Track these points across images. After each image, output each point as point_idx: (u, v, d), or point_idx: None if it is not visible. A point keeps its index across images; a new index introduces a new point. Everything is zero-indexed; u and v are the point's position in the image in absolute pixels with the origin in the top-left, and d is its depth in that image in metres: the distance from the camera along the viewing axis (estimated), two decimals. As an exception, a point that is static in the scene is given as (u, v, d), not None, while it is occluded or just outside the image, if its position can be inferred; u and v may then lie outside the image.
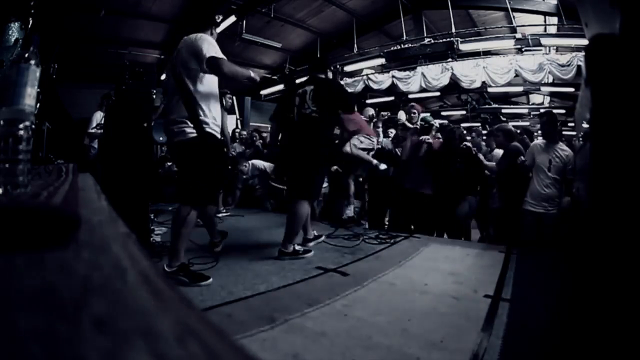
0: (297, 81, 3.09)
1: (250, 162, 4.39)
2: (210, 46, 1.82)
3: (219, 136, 1.93)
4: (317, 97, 2.34)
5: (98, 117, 3.91)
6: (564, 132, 4.41)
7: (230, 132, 4.71)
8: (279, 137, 2.66)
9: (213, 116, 1.87)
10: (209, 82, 1.87)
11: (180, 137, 1.82)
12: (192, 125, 1.81)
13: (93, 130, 3.80)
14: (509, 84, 6.05)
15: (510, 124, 4.06)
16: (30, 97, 0.56)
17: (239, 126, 7.26)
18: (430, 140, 3.35)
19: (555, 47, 5.48)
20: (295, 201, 2.34)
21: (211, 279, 1.83)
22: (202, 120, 1.82)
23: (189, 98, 1.81)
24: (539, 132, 3.50)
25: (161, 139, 4.31)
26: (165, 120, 1.94)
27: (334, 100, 2.41)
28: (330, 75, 2.63)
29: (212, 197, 2.17)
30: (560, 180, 2.80)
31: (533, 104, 9.77)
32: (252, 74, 1.85)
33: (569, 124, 7.87)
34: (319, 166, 2.45)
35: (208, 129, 1.84)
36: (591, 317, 0.80)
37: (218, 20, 5.47)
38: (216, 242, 2.41)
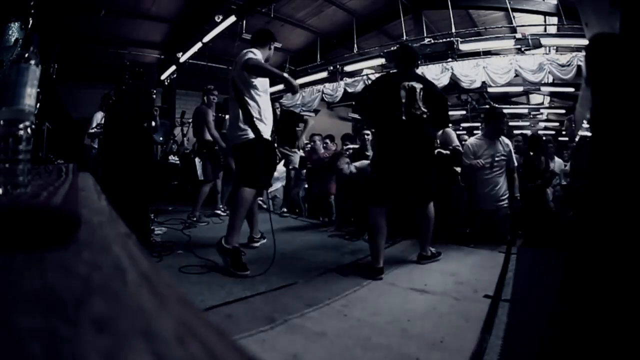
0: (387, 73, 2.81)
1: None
2: (250, 55, 2.13)
3: (268, 137, 2.22)
4: (427, 98, 2.17)
5: (98, 117, 3.91)
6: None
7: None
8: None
9: (264, 118, 2.19)
10: (261, 89, 2.19)
11: (238, 140, 2.17)
12: (247, 129, 2.13)
13: (93, 131, 3.80)
14: (509, 84, 6.05)
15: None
16: (30, 97, 0.56)
17: None
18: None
19: (555, 47, 5.48)
20: (423, 208, 2.28)
21: (249, 272, 1.95)
22: (255, 123, 2.14)
23: (243, 104, 2.15)
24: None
25: (161, 139, 4.30)
26: (230, 125, 2.30)
27: (441, 110, 2.26)
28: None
29: (262, 183, 2.29)
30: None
31: (533, 104, 9.77)
32: (282, 74, 2.18)
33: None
34: (434, 170, 2.33)
35: (260, 131, 2.14)
36: (591, 317, 0.80)
37: (218, 20, 5.42)
38: (256, 238, 2.64)
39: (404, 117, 2.11)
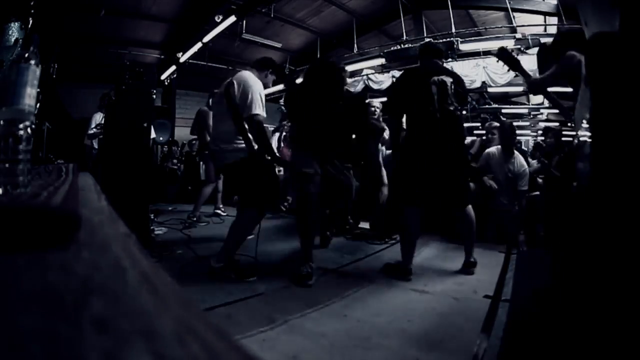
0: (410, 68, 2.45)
1: None
2: (257, 99, 2.01)
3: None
4: (458, 92, 2.05)
5: (97, 117, 3.91)
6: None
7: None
8: (405, 135, 2.21)
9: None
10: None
11: (231, 158, 2.03)
12: (243, 147, 2.00)
13: (93, 131, 3.80)
14: (509, 84, 6.05)
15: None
16: (30, 97, 0.56)
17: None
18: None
19: (555, 47, 5.47)
20: (462, 210, 2.13)
21: (256, 277, 1.91)
22: (252, 144, 2.03)
23: (241, 125, 2.01)
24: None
25: (161, 139, 4.29)
26: (217, 140, 2.10)
27: (466, 100, 2.14)
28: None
29: (269, 204, 2.17)
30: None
31: (533, 104, 9.77)
32: (274, 150, 2.19)
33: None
34: (468, 169, 2.27)
35: (257, 150, 2.03)
36: (591, 317, 0.80)
37: (218, 20, 5.42)
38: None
39: (438, 115, 1.98)
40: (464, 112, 2.12)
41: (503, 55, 2.00)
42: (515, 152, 3.08)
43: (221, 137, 2.06)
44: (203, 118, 3.57)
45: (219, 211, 3.86)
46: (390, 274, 2.01)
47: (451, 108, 2.01)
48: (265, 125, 2.11)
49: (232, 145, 2.01)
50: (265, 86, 2.16)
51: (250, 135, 2.02)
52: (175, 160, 5.68)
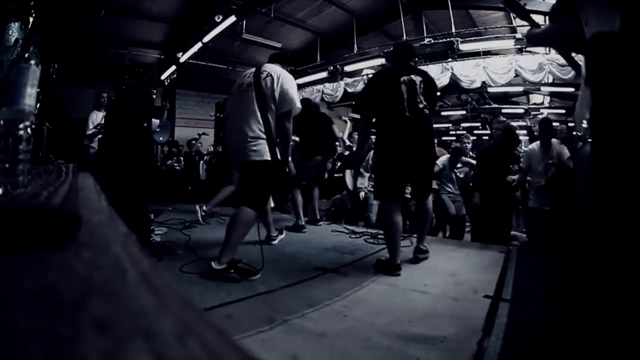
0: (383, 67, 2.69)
1: None
2: (295, 94, 2.00)
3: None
4: (427, 91, 2.15)
5: (94, 117, 3.89)
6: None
7: None
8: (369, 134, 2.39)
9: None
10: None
11: (254, 156, 1.95)
12: (265, 147, 1.94)
13: (92, 132, 3.79)
14: (509, 84, 6.05)
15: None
16: (30, 97, 0.56)
17: None
18: None
19: (555, 47, 5.48)
20: (422, 201, 2.31)
21: (259, 274, 1.91)
22: (273, 145, 1.96)
23: (267, 122, 1.95)
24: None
25: (161, 139, 4.28)
26: (241, 136, 2.00)
27: (433, 103, 2.26)
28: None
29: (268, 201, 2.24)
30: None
31: (533, 104, 9.77)
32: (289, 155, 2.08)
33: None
34: (434, 163, 2.49)
35: (277, 153, 1.98)
36: (591, 318, 0.80)
37: (218, 20, 5.40)
38: (273, 236, 2.66)
39: (407, 114, 2.07)
40: (432, 110, 2.22)
41: (510, 2, 2.14)
42: (553, 142, 3.04)
43: (242, 132, 1.96)
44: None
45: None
46: (381, 270, 2.08)
47: (420, 106, 2.10)
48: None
49: (254, 142, 1.94)
50: None
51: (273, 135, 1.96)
52: (174, 159, 5.68)
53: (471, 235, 3.73)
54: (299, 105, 2.01)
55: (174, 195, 5.18)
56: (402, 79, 2.11)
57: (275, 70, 2.03)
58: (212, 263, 1.88)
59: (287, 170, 2.09)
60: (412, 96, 2.09)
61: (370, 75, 6.93)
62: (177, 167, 5.63)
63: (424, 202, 2.31)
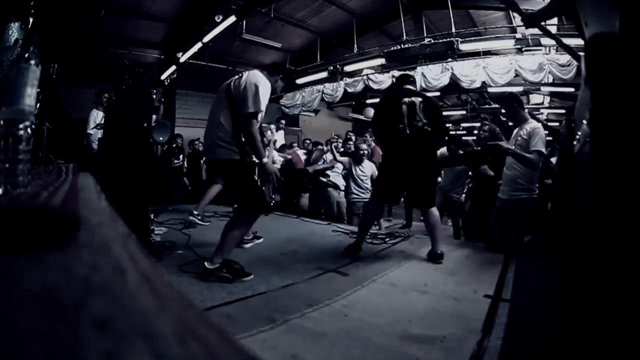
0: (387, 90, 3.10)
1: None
2: (257, 98, 1.97)
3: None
4: (427, 111, 2.42)
5: (95, 115, 3.89)
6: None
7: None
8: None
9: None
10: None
11: (222, 155, 1.99)
12: (232, 147, 1.98)
13: (92, 131, 3.79)
14: (509, 84, 6.04)
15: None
16: (30, 97, 0.56)
17: None
18: None
19: (555, 47, 5.48)
20: (427, 210, 2.45)
21: (252, 275, 1.90)
22: (243, 145, 1.99)
23: (235, 124, 1.99)
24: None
25: (161, 139, 4.29)
26: (213, 135, 2.04)
27: (438, 122, 2.49)
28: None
29: (265, 207, 2.24)
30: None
31: (533, 104, 9.77)
32: (264, 155, 2.03)
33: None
34: (434, 176, 2.77)
35: (247, 154, 2.00)
36: (591, 318, 0.80)
37: (218, 20, 5.39)
38: (246, 239, 2.65)
39: (408, 131, 2.37)
40: (435, 127, 2.50)
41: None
42: (528, 123, 2.56)
43: (213, 132, 2.02)
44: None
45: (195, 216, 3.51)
46: (348, 253, 2.42)
47: (419, 124, 2.39)
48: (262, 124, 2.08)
49: (222, 142, 1.98)
50: (274, 91, 2.15)
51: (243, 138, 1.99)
52: (176, 151, 5.65)
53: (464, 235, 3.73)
54: (253, 110, 1.95)
55: (180, 196, 5.18)
56: (403, 100, 2.42)
57: (250, 73, 2.06)
58: (205, 263, 1.91)
59: (265, 170, 2.06)
60: (412, 115, 2.39)
61: (372, 78, 6.97)
62: (178, 163, 5.61)
63: (427, 211, 2.44)
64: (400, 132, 2.38)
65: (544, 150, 2.43)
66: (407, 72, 4.74)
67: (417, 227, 3.89)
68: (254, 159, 2.06)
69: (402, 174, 2.40)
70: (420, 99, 2.44)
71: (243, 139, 1.99)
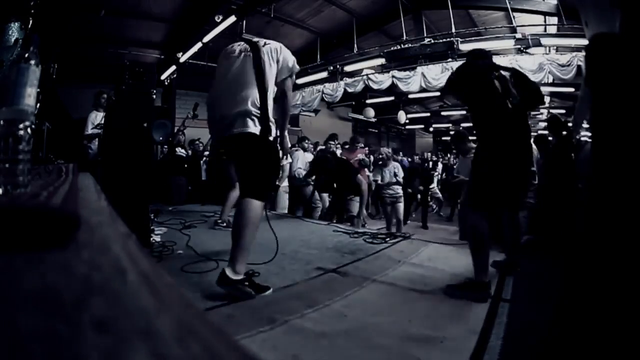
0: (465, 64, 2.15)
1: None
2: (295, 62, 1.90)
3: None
4: (518, 87, 1.94)
5: (93, 117, 3.88)
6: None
7: None
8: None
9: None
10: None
11: (242, 128, 1.70)
12: (255, 119, 1.71)
13: (91, 132, 3.78)
14: (509, 84, 6.05)
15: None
16: (30, 97, 0.56)
17: None
18: None
19: (555, 47, 5.48)
20: (513, 216, 2.12)
21: (271, 289, 1.72)
22: (267, 119, 1.74)
23: (264, 95, 1.73)
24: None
25: (161, 138, 4.27)
26: (233, 105, 1.75)
27: (532, 93, 2.00)
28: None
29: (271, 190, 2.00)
30: None
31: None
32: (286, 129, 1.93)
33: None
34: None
35: (271, 130, 1.76)
36: (591, 318, 0.80)
37: (218, 20, 5.41)
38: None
39: (507, 110, 1.85)
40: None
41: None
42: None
43: (232, 102, 1.73)
44: None
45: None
46: (466, 295, 1.70)
47: (515, 102, 1.88)
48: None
49: (243, 114, 1.70)
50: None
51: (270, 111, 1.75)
52: (181, 140, 5.62)
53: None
54: (297, 69, 1.92)
55: (177, 196, 5.15)
56: (493, 73, 1.92)
57: (269, 42, 1.90)
58: (226, 270, 1.60)
59: (284, 145, 1.88)
60: (507, 92, 1.89)
61: (372, 78, 6.92)
62: (183, 154, 5.60)
63: (515, 217, 2.10)
64: (502, 111, 1.85)
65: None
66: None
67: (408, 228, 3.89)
68: (271, 133, 1.76)
69: (509, 166, 1.84)
70: (508, 72, 1.98)
71: (271, 109, 1.76)
